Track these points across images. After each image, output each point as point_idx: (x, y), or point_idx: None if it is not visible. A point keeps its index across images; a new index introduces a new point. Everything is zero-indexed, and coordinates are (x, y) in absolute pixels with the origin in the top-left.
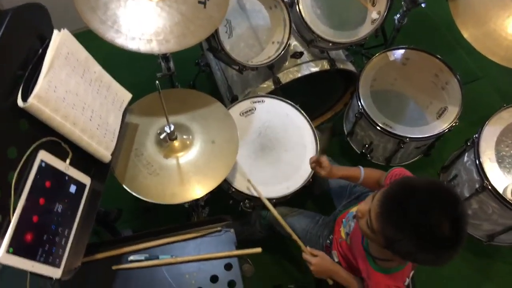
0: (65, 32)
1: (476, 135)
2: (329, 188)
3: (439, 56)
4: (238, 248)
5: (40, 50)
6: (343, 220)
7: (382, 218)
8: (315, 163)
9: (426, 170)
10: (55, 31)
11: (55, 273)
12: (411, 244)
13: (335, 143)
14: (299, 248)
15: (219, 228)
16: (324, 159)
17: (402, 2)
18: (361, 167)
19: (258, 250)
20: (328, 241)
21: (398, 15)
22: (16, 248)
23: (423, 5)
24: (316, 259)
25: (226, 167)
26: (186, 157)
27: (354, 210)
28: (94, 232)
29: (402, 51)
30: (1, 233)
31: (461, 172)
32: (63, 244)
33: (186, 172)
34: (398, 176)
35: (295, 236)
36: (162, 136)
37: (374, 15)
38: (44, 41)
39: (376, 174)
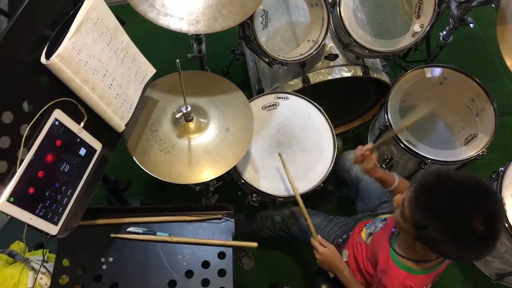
0: None
1: (502, 168)
2: (362, 190)
3: (478, 81)
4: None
5: (71, 12)
6: (367, 224)
7: (414, 203)
8: (363, 155)
9: None
10: None
11: (51, 229)
12: (439, 232)
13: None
14: (307, 245)
15: (219, 216)
16: (374, 155)
17: (450, 19)
18: (395, 174)
19: (254, 244)
20: (340, 240)
21: (444, 32)
22: (17, 198)
23: (471, 25)
24: (325, 250)
25: (235, 156)
26: (198, 140)
27: (382, 217)
28: (106, 199)
29: (440, 70)
30: (5, 182)
31: None
32: (64, 203)
33: (195, 155)
34: None
35: (310, 222)
36: (178, 116)
37: (416, 27)
38: (76, 4)
39: (407, 184)
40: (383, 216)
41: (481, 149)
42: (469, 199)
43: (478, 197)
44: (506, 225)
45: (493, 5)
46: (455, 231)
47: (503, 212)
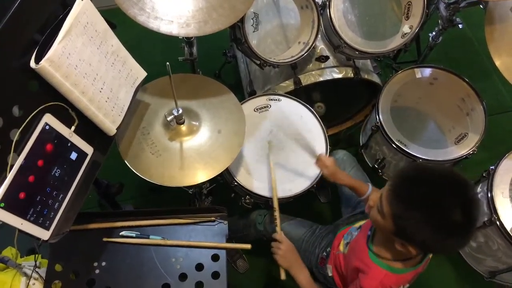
0: (87, 2)
1: (493, 167)
2: (341, 193)
3: (467, 80)
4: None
5: (61, 16)
6: (344, 235)
7: (393, 196)
8: (320, 160)
9: None
10: (78, 0)
11: (43, 234)
12: (420, 224)
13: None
14: None
15: (213, 218)
16: (329, 159)
17: (439, 20)
18: (370, 184)
19: (248, 246)
20: (324, 254)
21: (433, 33)
22: (7, 203)
23: (460, 26)
24: (289, 247)
25: (228, 158)
26: (190, 143)
27: (357, 225)
28: (98, 205)
29: (430, 70)
30: None
31: None
32: (55, 208)
33: (187, 157)
34: None
35: (277, 213)
36: (169, 119)
37: (406, 28)
38: (66, 8)
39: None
40: (358, 224)
41: (471, 148)
42: (448, 189)
43: (456, 187)
44: (498, 223)
45: (481, 6)
46: (436, 222)
47: (479, 201)
